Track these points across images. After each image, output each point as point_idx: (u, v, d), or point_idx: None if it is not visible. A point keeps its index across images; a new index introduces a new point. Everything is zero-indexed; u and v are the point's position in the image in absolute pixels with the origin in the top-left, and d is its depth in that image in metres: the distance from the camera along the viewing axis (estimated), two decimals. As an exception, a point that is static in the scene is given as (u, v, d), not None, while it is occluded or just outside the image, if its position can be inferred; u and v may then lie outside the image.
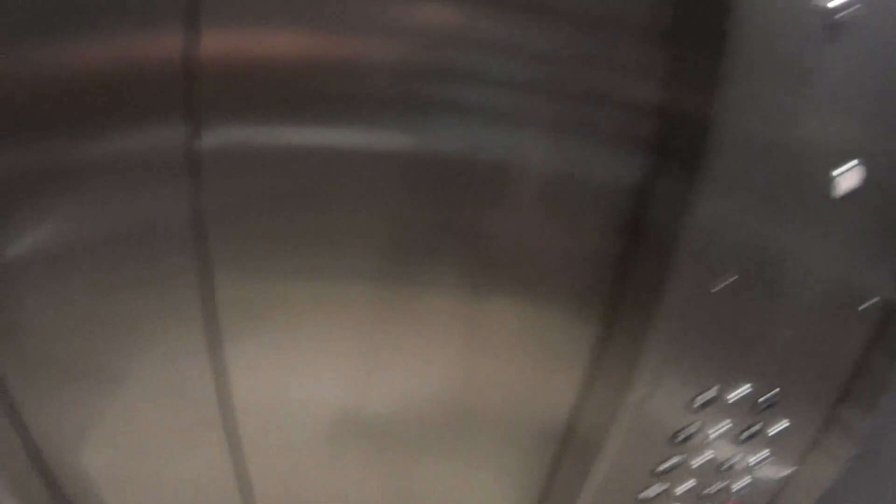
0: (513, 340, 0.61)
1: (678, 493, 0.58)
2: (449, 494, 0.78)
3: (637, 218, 0.52)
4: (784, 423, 0.57)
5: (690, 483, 0.58)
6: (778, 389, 0.55)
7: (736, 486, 0.60)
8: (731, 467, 0.58)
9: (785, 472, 0.62)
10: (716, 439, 0.56)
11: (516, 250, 0.56)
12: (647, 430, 0.54)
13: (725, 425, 0.55)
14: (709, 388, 0.53)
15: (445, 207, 0.55)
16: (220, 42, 0.49)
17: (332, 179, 0.55)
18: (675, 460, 0.56)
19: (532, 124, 0.52)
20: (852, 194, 0.47)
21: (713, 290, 0.48)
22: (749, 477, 0.61)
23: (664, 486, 0.58)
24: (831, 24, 0.42)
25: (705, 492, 0.59)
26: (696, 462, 0.56)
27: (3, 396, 0.79)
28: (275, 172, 0.53)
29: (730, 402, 0.53)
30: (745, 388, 0.54)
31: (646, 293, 0.51)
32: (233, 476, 0.73)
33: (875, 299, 0.52)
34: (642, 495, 0.57)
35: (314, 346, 0.62)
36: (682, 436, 0.54)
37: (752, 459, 0.58)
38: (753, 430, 0.56)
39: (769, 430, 0.57)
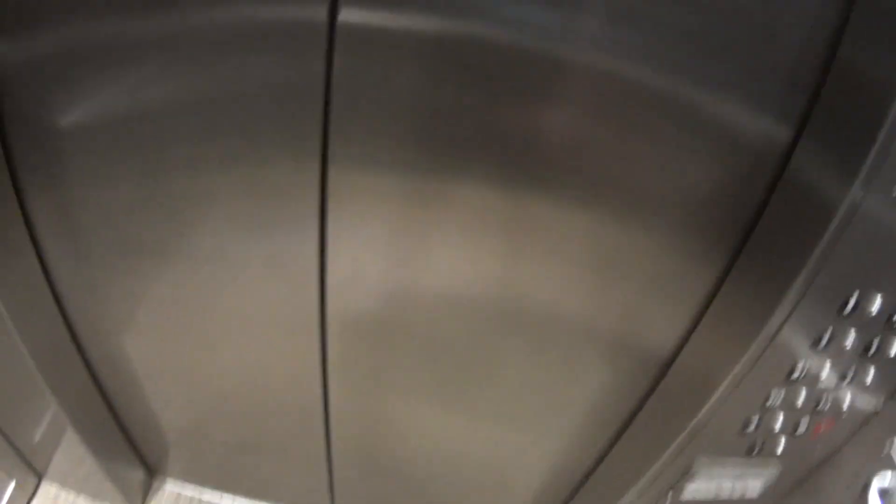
0: (561, 248, 0.60)
1: (798, 405, 0.59)
2: (507, 401, 0.76)
3: (777, 164, 0.50)
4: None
5: (804, 394, 0.59)
6: (902, 305, 0.55)
7: (844, 405, 0.61)
8: (848, 383, 0.58)
9: (881, 398, 0.63)
10: (844, 350, 0.56)
11: (568, 157, 0.53)
12: (781, 342, 0.54)
13: (852, 337, 0.56)
14: (850, 296, 0.53)
15: (502, 98, 0.51)
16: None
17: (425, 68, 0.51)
18: (804, 368, 0.56)
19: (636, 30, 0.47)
20: None
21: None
22: (850, 396, 0.61)
23: (783, 392, 0.58)
24: None
25: (818, 408, 0.60)
26: (825, 373, 0.56)
27: (49, 285, 0.74)
28: (394, 55, 0.50)
29: (868, 312, 0.53)
30: (877, 300, 0.54)
31: (789, 231, 0.50)
32: (317, 352, 0.70)
33: None
34: (768, 403, 0.57)
35: (385, 229, 0.60)
36: (821, 343, 0.54)
37: (867, 379, 0.59)
38: (875, 345, 0.57)
39: (887, 350, 0.57)
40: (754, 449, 0.63)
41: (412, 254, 0.62)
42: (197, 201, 0.61)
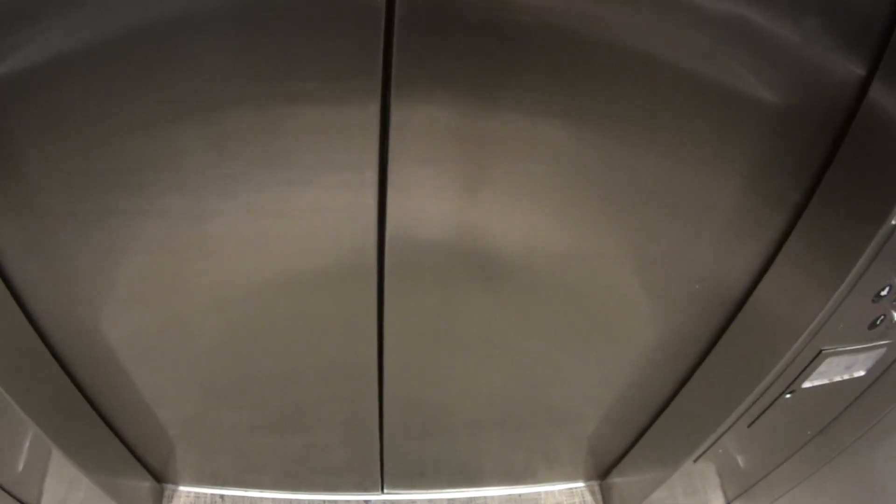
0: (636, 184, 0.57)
1: None
2: (583, 336, 0.72)
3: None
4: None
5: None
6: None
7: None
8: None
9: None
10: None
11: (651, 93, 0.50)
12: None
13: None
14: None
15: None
16: None
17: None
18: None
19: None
20: None
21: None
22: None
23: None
24: None
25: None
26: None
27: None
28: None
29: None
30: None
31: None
32: (374, 304, 0.62)
33: None
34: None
35: (450, 167, 0.54)
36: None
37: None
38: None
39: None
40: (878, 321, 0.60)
41: (479, 194, 0.56)
42: (208, 146, 0.50)
